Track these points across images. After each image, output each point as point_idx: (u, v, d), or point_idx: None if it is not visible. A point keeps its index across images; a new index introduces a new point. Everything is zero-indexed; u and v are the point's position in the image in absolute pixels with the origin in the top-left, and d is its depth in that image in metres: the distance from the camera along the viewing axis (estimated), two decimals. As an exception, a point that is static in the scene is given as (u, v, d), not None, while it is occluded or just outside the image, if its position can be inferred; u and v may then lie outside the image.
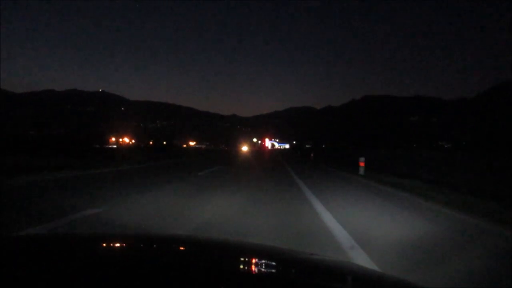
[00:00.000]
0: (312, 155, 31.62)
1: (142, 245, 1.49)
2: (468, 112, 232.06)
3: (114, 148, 40.64)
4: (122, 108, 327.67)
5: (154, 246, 1.50)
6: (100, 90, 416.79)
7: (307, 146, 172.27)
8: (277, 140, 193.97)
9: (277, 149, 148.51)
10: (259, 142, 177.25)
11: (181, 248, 1.48)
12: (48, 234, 3.01)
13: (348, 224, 4.28)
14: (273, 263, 1.19)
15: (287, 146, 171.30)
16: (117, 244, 1.48)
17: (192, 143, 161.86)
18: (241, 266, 1.20)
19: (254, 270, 1.13)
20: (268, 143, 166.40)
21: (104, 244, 1.46)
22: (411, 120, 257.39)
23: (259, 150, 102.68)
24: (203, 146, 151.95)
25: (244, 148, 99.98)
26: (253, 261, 1.26)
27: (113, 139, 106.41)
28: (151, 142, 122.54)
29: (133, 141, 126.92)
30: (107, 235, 1.96)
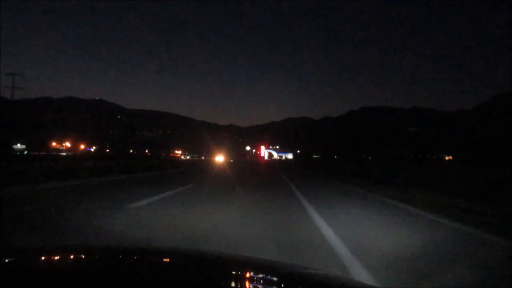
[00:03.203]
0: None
1: (135, 259, 1.43)
2: (467, 123, 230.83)
3: (53, 155, 36.83)
4: (118, 116, 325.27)
5: (147, 259, 1.43)
6: (97, 98, 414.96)
7: (314, 156, 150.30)
8: (277, 147, 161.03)
9: (276, 159, 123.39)
10: (253, 151, 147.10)
11: (176, 261, 1.42)
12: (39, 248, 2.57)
13: None
14: (270, 278, 1.15)
15: (289, 156, 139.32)
16: (111, 257, 1.43)
17: (178, 152, 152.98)
18: (237, 281, 1.15)
19: (249, 286, 1.09)
20: (264, 152, 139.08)
21: (98, 257, 1.42)
22: (409, 131, 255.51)
23: (251, 161, 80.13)
24: (190, 156, 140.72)
25: (219, 158, 63.92)
26: (248, 275, 1.21)
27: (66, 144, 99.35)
28: (131, 151, 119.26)
29: (107, 149, 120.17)
30: (101, 247, 1.93)
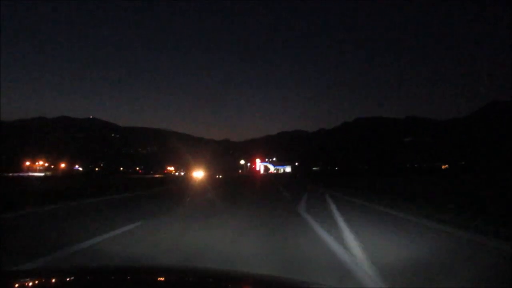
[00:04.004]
0: None
1: (131, 278, 1.38)
2: (461, 132, 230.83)
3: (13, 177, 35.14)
4: (112, 135, 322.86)
5: (143, 278, 1.39)
6: (91, 116, 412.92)
7: (314, 168, 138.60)
8: (274, 159, 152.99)
9: (272, 173, 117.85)
10: (248, 164, 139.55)
11: (175, 279, 1.38)
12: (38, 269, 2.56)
13: None
14: None
15: (288, 169, 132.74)
16: (110, 278, 1.39)
17: (171, 169, 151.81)
18: None
19: None
20: (259, 165, 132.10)
21: (95, 278, 1.38)
22: (405, 141, 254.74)
23: (243, 176, 71.57)
24: (183, 172, 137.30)
25: (198, 174, 51.60)
26: None
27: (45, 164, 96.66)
28: (121, 168, 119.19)
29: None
30: (99, 268, 1.86)
